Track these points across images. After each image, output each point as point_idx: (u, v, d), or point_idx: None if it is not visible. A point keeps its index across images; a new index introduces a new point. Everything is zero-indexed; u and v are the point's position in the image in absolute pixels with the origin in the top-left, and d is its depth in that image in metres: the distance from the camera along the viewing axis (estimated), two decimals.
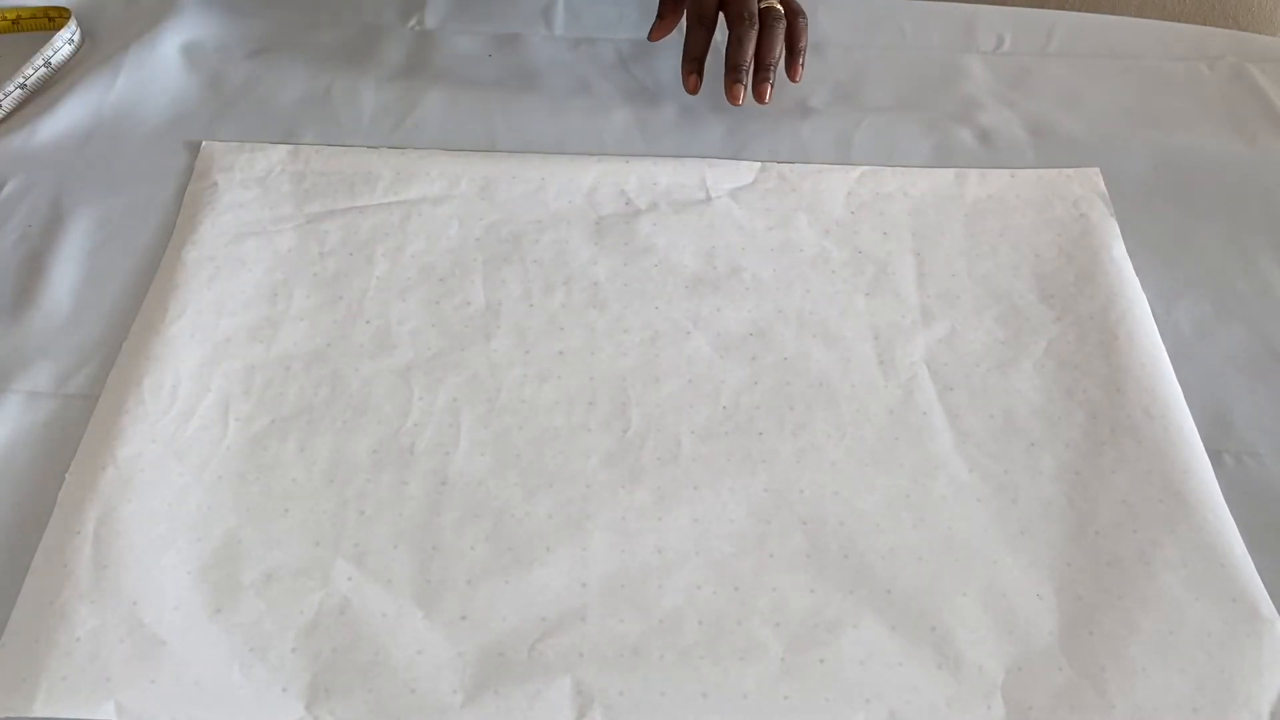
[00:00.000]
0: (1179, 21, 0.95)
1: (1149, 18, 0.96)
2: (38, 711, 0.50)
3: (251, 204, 0.73)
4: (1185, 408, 0.63)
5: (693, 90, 0.79)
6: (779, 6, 0.79)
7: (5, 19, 0.84)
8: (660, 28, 0.82)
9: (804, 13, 0.80)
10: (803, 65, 0.79)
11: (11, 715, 0.50)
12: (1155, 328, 0.67)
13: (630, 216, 0.73)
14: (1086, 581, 0.56)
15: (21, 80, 0.78)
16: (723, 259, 0.71)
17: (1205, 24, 0.99)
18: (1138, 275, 0.71)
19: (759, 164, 0.76)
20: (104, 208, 0.73)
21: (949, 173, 0.77)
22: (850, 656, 0.54)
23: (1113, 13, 0.97)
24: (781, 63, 0.79)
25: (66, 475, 0.59)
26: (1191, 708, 0.52)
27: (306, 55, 0.85)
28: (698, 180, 0.75)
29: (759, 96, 0.77)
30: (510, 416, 0.63)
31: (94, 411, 0.62)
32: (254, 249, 0.70)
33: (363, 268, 0.69)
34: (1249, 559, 0.57)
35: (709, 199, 0.75)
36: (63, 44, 0.81)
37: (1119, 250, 0.72)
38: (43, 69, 0.79)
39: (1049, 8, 0.89)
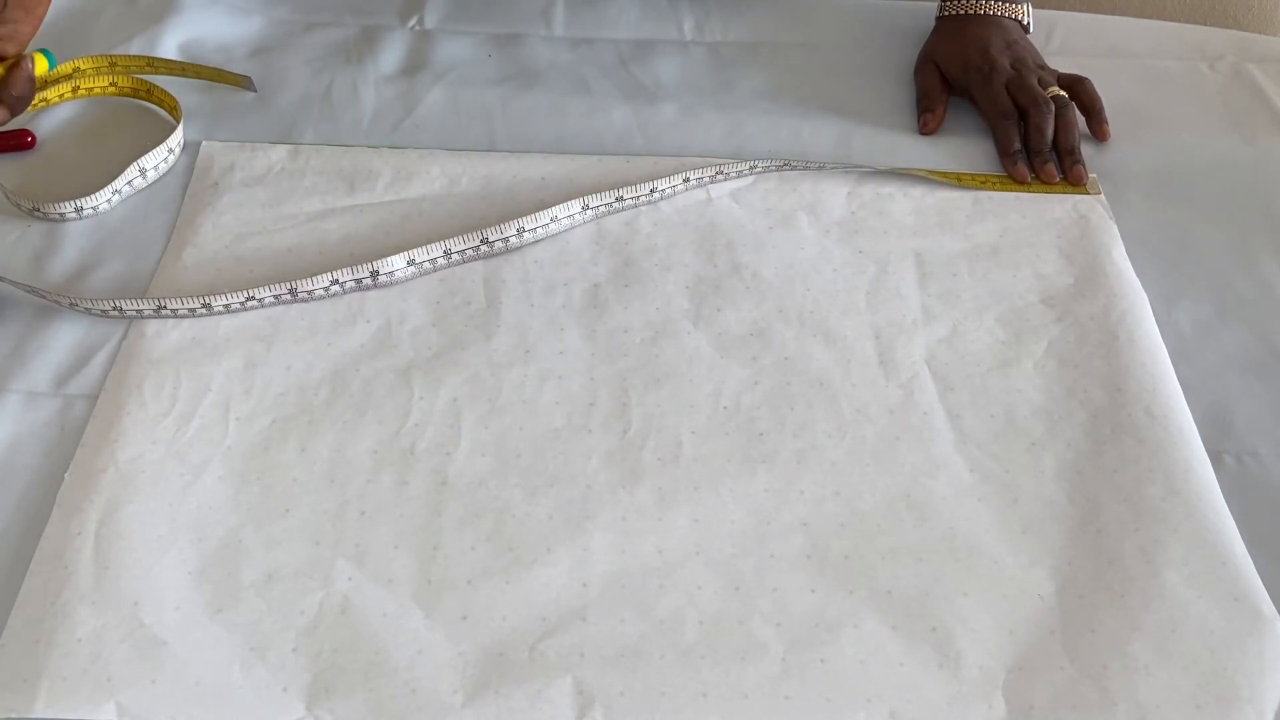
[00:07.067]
0: (1179, 21, 0.96)
1: (1149, 18, 0.96)
2: (38, 712, 0.50)
3: (251, 204, 0.73)
4: (1186, 408, 0.63)
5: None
6: (1062, 93, 0.80)
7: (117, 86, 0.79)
8: (932, 121, 0.81)
9: (1084, 77, 0.81)
10: (1106, 122, 0.80)
11: (12, 716, 0.50)
12: (1156, 328, 0.67)
13: (631, 216, 0.73)
14: (1088, 580, 0.56)
15: (127, 180, 0.74)
16: (723, 259, 0.71)
17: (1205, 24, 0.99)
18: (1138, 275, 0.71)
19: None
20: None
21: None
22: (851, 656, 0.54)
23: (1113, 13, 0.98)
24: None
25: (66, 475, 0.59)
26: (1195, 705, 0.52)
27: (306, 55, 0.85)
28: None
29: (1077, 179, 0.76)
30: (511, 416, 0.62)
31: (94, 412, 0.62)
32: (254, 249, 0.70)
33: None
34: (1249, 559, 0.57)
35: (709, 199, 0.74)
36: (165, 153, 0.75)
37: (1119, 251, 0.72)
38: (138, 178, 0.74)
39: (1049, 8, 0.89)
